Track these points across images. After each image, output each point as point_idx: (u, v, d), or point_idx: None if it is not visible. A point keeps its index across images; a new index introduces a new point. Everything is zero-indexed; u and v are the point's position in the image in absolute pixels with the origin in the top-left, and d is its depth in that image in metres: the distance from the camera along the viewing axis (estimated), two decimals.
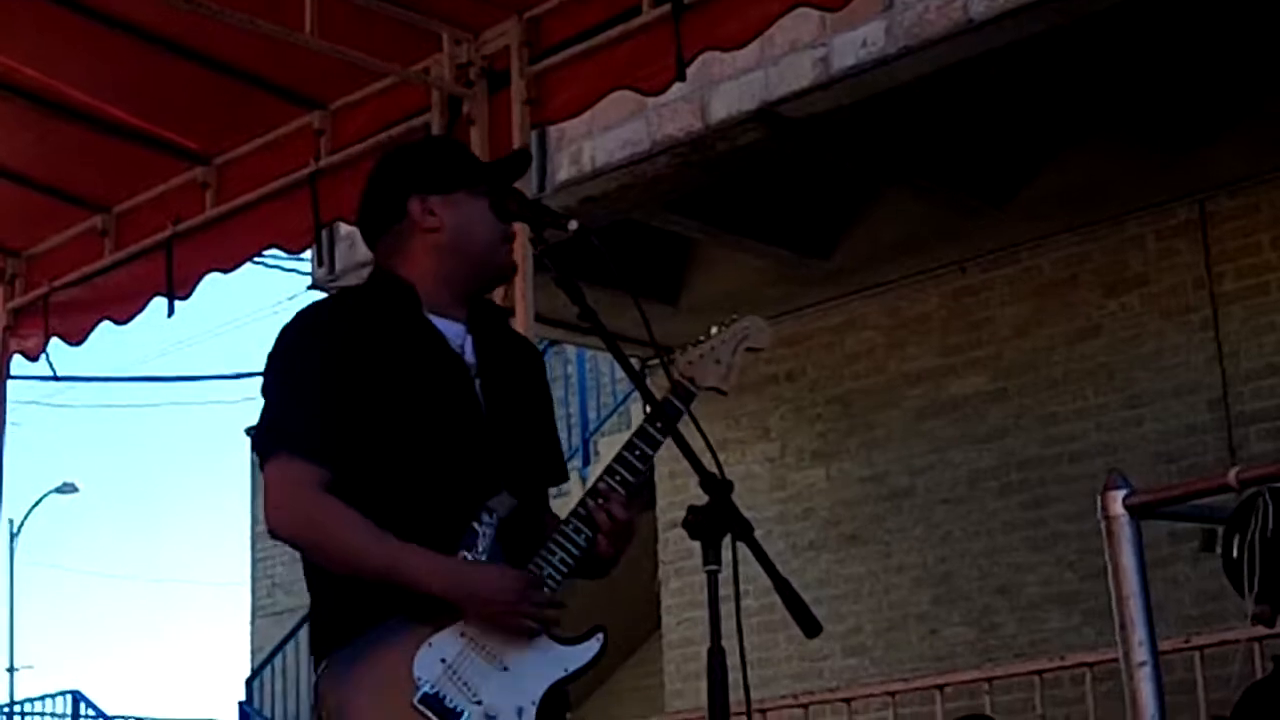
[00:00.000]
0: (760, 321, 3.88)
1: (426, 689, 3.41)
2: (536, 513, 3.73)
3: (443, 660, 3.44)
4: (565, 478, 4.05)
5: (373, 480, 3.57)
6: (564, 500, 3.90)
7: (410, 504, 3.56)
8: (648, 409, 3.67)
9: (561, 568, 3.56)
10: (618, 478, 3.63)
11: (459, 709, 3.41)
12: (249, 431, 23.24)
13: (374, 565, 3.48)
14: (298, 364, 3.68)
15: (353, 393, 3.58)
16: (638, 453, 3.64)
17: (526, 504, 3.66)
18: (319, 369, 3.62)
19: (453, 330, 3.75)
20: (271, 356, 3.70)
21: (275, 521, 3.59)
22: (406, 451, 3.59)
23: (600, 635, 3.59)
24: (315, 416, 3.58)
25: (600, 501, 3.59)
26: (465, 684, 3.43)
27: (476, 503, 3.57)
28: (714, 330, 3.84)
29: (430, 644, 3.44)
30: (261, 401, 3.69)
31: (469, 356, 3.74)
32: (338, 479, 3.55)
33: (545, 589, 3.53)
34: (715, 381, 3.78)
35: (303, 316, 3.77)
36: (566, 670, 3.55)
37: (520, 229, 3.96)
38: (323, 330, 3.71)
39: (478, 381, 3.71)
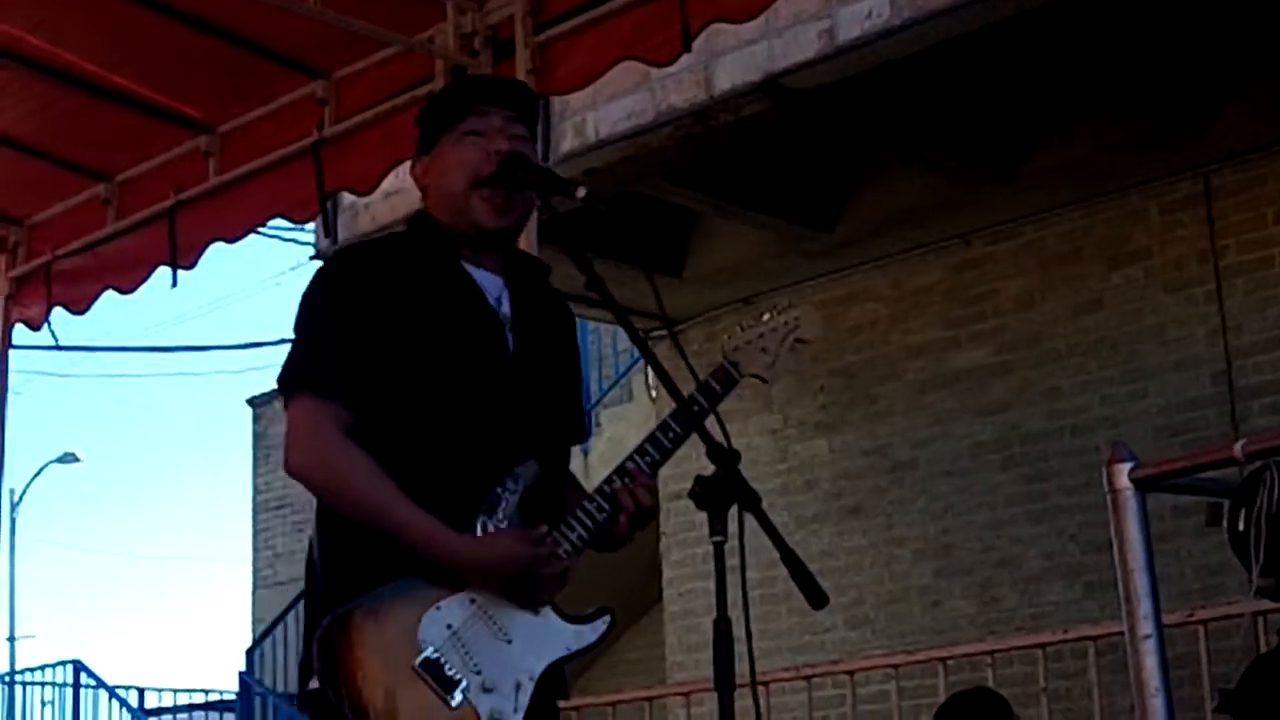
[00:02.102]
0: (812, 313, 3.86)
1: (429, 653, 3.37)
2: (559, 476, 3.68)
3: (449, 626, 3.40)
4: (584, 438, 3.97)
5: (397, 430, 3.51)
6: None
7: (434, 460, 3.50)
8: (652, 378, 3.63)
9: (577, 543, 3.51)
10: (648, 459, 3.58)
11: (457, 677, 3.37)
12: (251, 401, 23.24)
13: (384, 522, 3.43)
14: (328, 305, 3.61)
15: (381, 338, 3.52)
16: (671, 434, 3.59)
17: (550, 469, 3.61)
18: (349, 312, 3.55)
19: (490, 281, 3.68)
20: (304, 296, 3.64)
21: (293, 461, 3.54)
22: (433, 404, 3.53)
23: (608, 616, 3.55)
24: (341, 359, 3.51)
25: (626, 482, 3.54)
26: (468, 653, 3.39)
27: (503, 466, 3.51)
28: (765, 316, 3.80)
29: (439, 607, 3.40)
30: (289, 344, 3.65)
31: (505, 309, 3.68)
32: (362, 424, 3.49)
33: (555, 557, 3.48)
34: (760, 370, 3.76)
35: (338, 258, 3.74)
36: (569, 649, 3.52)
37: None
38: (357, 274, 3.63)
39: (511, 335, 3.65)
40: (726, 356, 3.71)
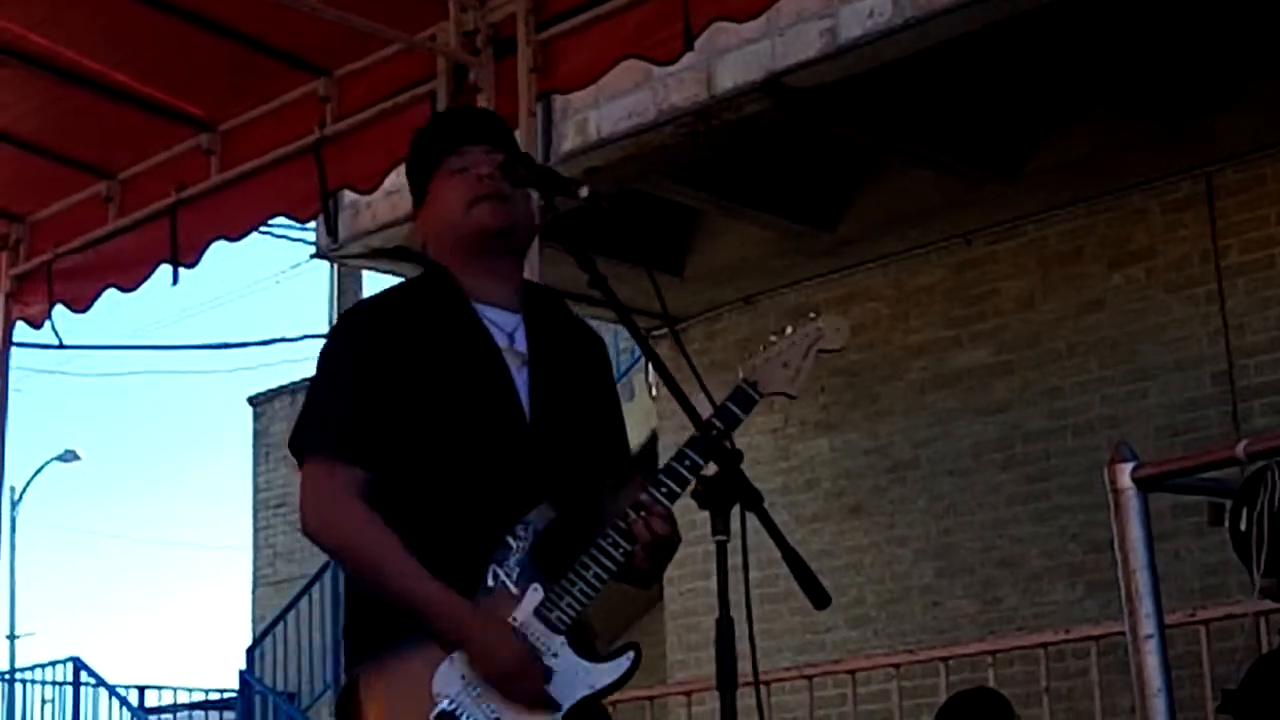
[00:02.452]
0: (838, 321, 3.74)
1: (445, 705, 3.36)
2: (581, 518, 3.59)
3: (463, 677, 3.39)
4: (630, 464, 3.85)
5: (409, 486, 3.52)
6: None
7: (444, 513, 3.51)
8: (652, 376, 3.58)
9: (595, 583, 3.46)
10: (664, 489, 3.49)
11: None
12: (251, 400, 23.25)
13: (390, 591, 3.45)
14: (342, 363, 3.64)
15: (392, 395, 3.54)
16: (688, 463, 3.49)
17: (569, 510, 3.55)
18: (362, 370, 3.58)
19: (504, 319, 3.68)
20: (321, 354, 3.69)
21: (307, 524, 3.56)
22: (443, 457, 3.54)
23: (631, 654, 3.50)
24: (357, 419, 3.53)
25: (642, 515, 3.47)
26: (484, 700, 3.38)
27: (514, 513, 3.48)
28: (788, 330, 3.70)
29: (453, 659, 3.39)
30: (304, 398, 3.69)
31: (519, 345, 3.67)
32: (377, 479, 3.51)
33: (533, 674, 3.42)
34: (782, 386, 3.66)
35: (351, 314, 3.79)
36: (593, 688, 3.46)
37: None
38: (368, 330, 3.67)
39: (526, 371, 3.63)
40: (745, 377, 3.62)
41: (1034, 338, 11.07)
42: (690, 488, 3.48)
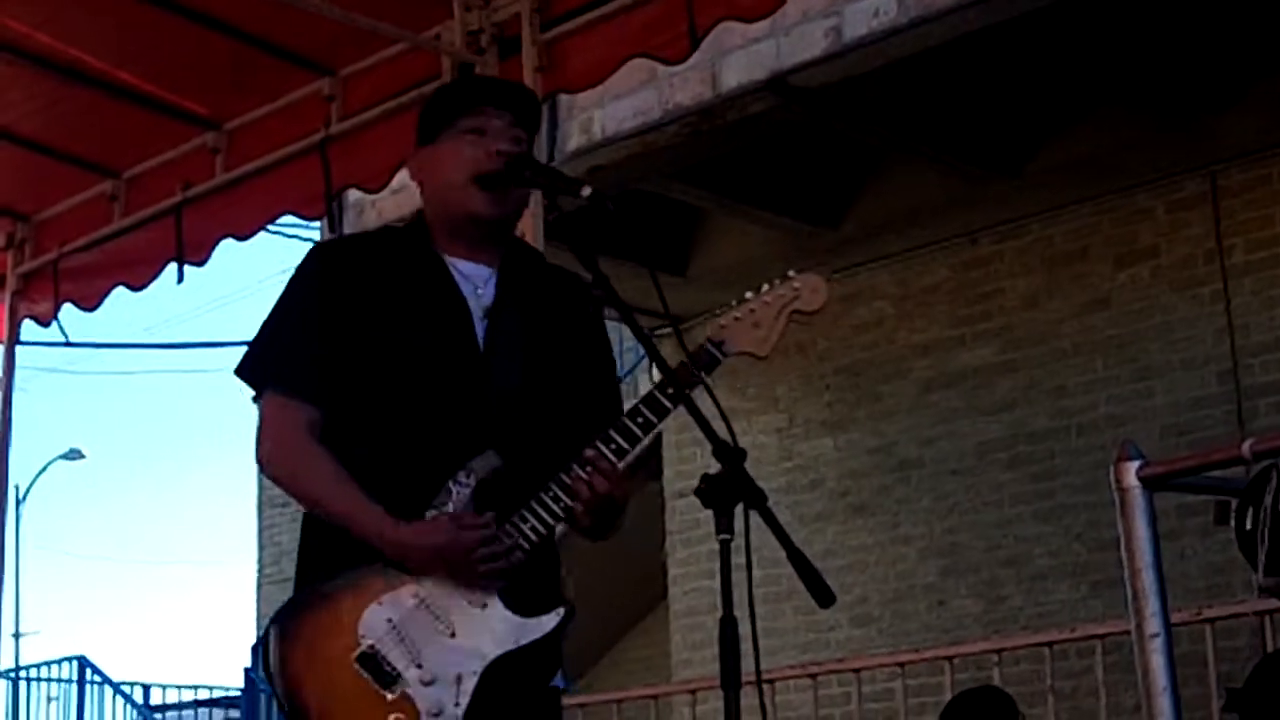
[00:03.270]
0: (815, 280, 3.62)
1: (368, 646, 3.37)
2: (533, 469, 3.51)
3: (389, 620, 3.39)
4: (617, 413, 3.63)
5: (358, 423, 3.55)
6: None
7: (392, 453, 3.52)
8: (656, 375, 3.53)
9: (532, 535, 3.44)
10: (612, 445, 3.45)
11: (396, 670, 3.36)
12: (256, 399, 23.22)
13: (334, 515, 3.50)
14: (301, 300, 3.67)
15: (348, 333, 3.56)
16: (640, 420, 3.46)
17: (519, 460, 3.50)
18: (320, 308, 3.61)
19: (476, 271, 3.67)
20: (286, 285, 3.71)
21: (260, 456, 3.62)
22: (395, 400, 3.55)
23: (562, 610, 3.48)
24: (311, 356, 3.57)
25: (588, 470, 3.44)
26: (408, 646, 3.38)
27: (459, 457, 3.47)
28: (764, 288, 3.61)
29: (381, 602, 3.40)
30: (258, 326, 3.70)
31: (486, 298, 3.65)
32: (329, 418, 3.55)
33: (491, 541, 3.41)
34: (750, 346, 3.56)
35: (314, 253, 3.78)
36: (518, 642, 3.44)
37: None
38: (332, 267, 3.69)
39: (485, 323, 3.61)
40: (711, 336, 3.55)
41: (1039, 337, 11.07)
42: (639, 442, 3.46)
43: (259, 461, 3.63)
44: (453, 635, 3.42)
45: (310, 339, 3.59)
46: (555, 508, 3.45)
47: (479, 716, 3.40)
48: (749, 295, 3.61)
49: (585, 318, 3.83)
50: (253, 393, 3.66)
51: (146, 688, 21.46)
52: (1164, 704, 3.75)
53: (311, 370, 3.57)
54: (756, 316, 3.59)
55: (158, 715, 21.26)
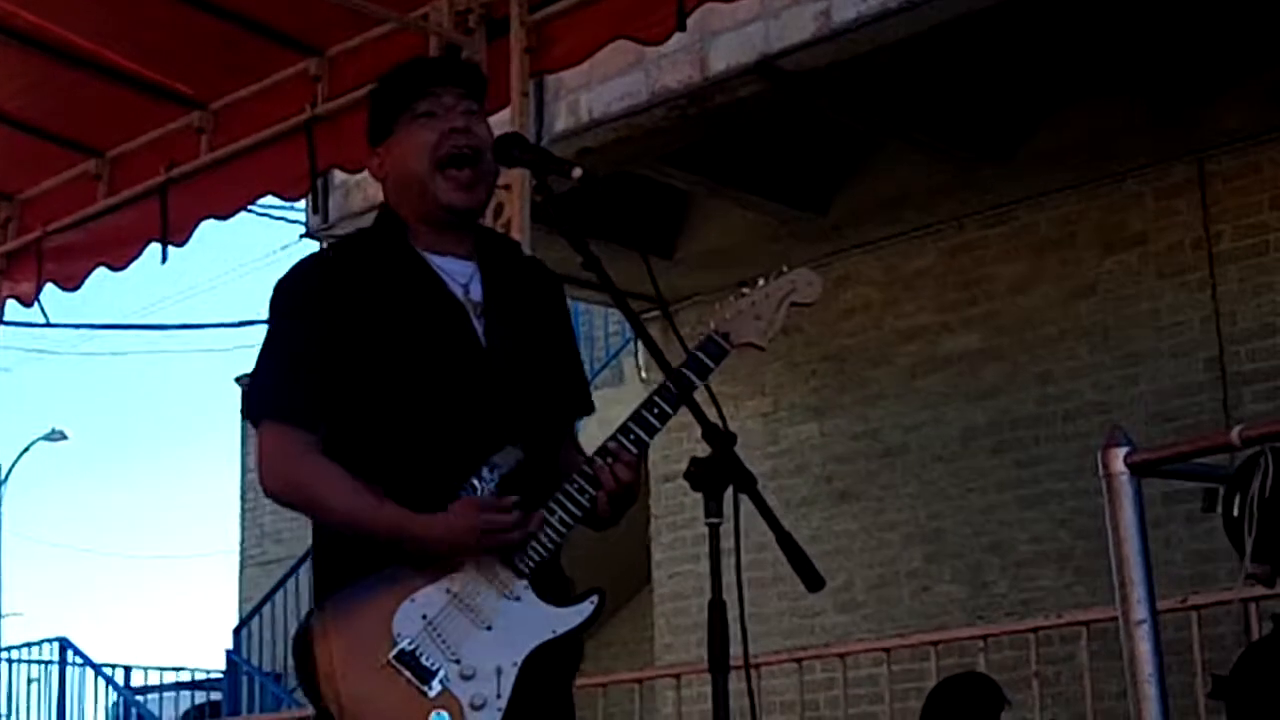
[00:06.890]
0: (810, 274, 3.71)
1: (404, 645, 3.36)
2: (547, 460, 3.60)
3: (424, 617, 3.38)
4: (591, 409, 3.89)
5: (371, 432, 3.52)
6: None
7: (410, 458, 3.50)
8: (642, 359, 3.53)
9: (560, 528, 3.47)
10: (631, 437, 3.50)
11: (435, 666, 3.35)
12: (240, 380, 23.21)
13: (359, 527, 3.46)
14: (286, 324, 3.63)
15: (343, 349, 3.52)
16: (656, 411, 3.50)
17: (536, 452, 3.55)
18: (308, 328, 3.57)
19: (457, 267, 3.66)
20: (269, 313, 3.67)
21: (268, 486, 3.58)
22: (402, 404, 3.53)
23: (595, 598, 3.50)
24: (302, 381, 3.54)
25: (609, 461, 3.48)
26: (445, 641, 3.37)
27: (479, 454, 3.47)
28: (760, 282, 3.68)
29: (413, 599, 3.39)
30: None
31: (475, 294, 3.65)
32: (336, 437, 3.52)
33: (515, 524, 3.43)
34: (753, 337, 3.63)
35: (293, 273, 3.71)
36: (554, 632, 3.45)
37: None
38: (312, 287, 3.64)
39: (482, 321, 3.62)
40: (716, 327, 3.60)
41: (1025, 323, 11.07)
42: (656, 433, 3.52)
43: (264, 487, 3.59)
44: (489, 628, 3.41)
45: (299, 365, 3.56)
46: (581, 499, 3.48)
47: (520, 706, 3.39)
48: (746, 289, 3.67)
49: (557, 306, 3.87)
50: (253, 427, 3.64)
51: (128, 669, 21.40)
52: (1150, 690, 3.75)
53: (305, 397, 3.54)
54: (758, 309, 3.66)
55: (139, 697, 21.22)
